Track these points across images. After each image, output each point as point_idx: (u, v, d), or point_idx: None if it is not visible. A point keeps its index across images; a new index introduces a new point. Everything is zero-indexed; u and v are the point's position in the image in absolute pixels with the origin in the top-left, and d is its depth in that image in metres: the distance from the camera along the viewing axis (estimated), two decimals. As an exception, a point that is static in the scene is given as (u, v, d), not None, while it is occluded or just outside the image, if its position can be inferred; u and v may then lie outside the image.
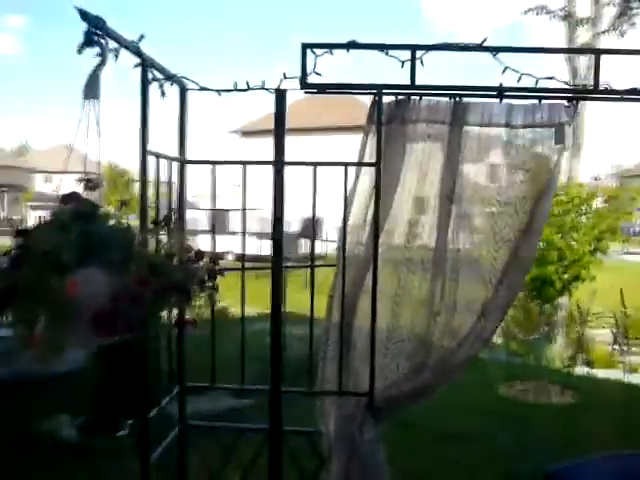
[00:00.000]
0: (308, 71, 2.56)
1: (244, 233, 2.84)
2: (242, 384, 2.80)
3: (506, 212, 2.63)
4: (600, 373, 9.59)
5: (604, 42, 11.07)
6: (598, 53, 2.55)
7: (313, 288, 2.79)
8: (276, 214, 2.66)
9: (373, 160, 2.63)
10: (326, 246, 16.57)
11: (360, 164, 2.67)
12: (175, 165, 2.71)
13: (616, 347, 10.90)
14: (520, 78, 2.55)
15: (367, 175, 2.68)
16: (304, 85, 2.58)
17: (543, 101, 2.57)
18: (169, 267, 1.54)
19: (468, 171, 2.70)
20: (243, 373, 2.82)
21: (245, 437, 2.80)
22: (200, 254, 1.73)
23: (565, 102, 2.58)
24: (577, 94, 2.56)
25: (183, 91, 2.72)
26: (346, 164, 2.68)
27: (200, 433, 2.83)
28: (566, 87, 2.57)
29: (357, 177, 2.70)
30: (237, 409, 5.40)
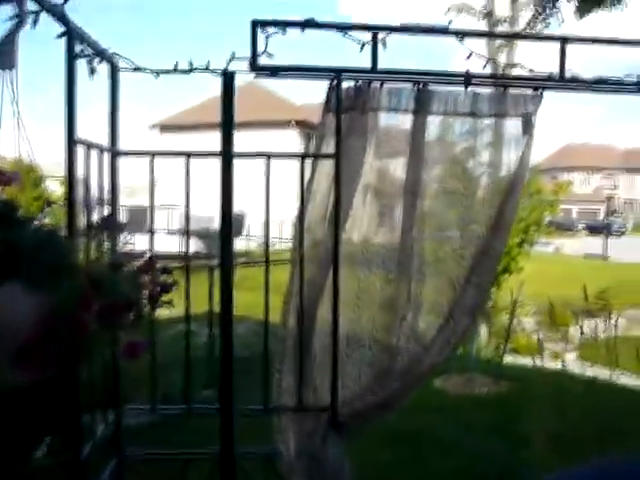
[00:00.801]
0: (259, 52, 2.28)
1: (187, 232, 2.53)
2: (188, 404, 2.48)
3: (474, 207, 2.48)
4: (527, 361, 9.88)
5: (521, 41, 11.36)
6: (564, 41, 2.44)
7: (267, 288, 2.52)
8: (224, 210, 2.38)
9: (332, 150, 2.39)
10: (248, 243, 16.22)
11: (318, 156, 2.43)
12: (105, 157, 2.36)
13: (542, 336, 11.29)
14: (486, 65, 2.41)
15: (325, 168, 2.44)
16: (254, 67, 2.30)
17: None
18: (115, 281, 1.24)
19: (432, 164, 2.53)
20: (187, 393, 2.50)
21: (192, 463, 2.49)
22: (152, 263, 1.43)
23: (529, 91, 2.47)
24: (544, 83, 2.43)
25: (114, 71, 2.36)
26: (303, 155, 2.43)
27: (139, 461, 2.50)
28: (532, 76, 2.44)
29: (314, 170, 2.45)
30: (158, 423, 4.98)
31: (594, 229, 37.61)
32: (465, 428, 5.87)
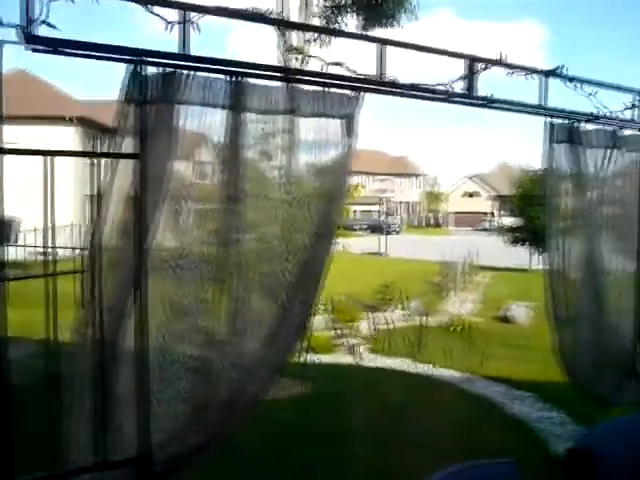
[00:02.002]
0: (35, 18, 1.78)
1: None
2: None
3: (297, 214, 2.27)
4: (325, 358, 10.21)
5: (312, 50, 11.72)
6: (383, 43, 2.37)
7: (55, 306, 2.03)
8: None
9: (133, 149, 1.99)
10: (19, 251, 14.35)
11: (117, 155, 1.99)
12: None
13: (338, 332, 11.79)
14: (308, 61, 2.23)
15: (126, 169, 2.02)
16: (29, 37, 1.80)
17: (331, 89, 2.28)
18: None
19: (252, 164, 2.27)
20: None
21: None
22: None
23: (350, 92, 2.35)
24: (363, 84, 2.33)
25: None
26: (98, 155, 1.98)
27: None
28: (352, 76, 2.32)
29: (112, 172, 2.01)
30: None
31: (374, 229, 41.00)
32: (271, 435, 5.75)
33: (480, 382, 8.22)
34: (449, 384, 8.34)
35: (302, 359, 9.42)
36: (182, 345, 2.18)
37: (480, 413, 7.02)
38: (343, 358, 10.37)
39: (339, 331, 12.43)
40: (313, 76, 2.24)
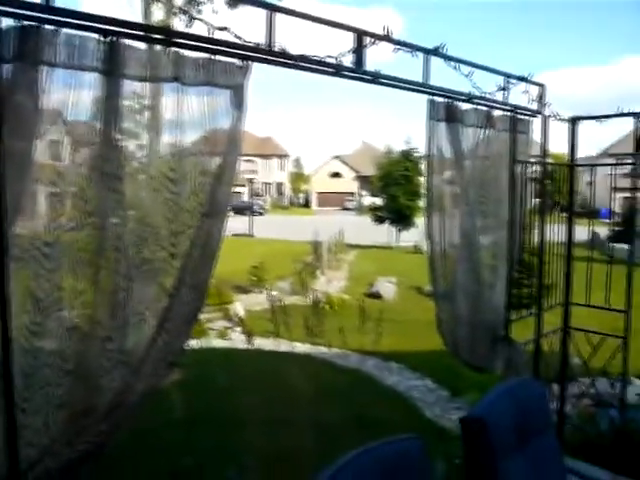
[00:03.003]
0: None
1: None
2: None
3: (182, 194, 2.07)
4: (198, 343, 9.91)
5: (177, 23, 11.14)
6: (271, 9, 2.21)
7: None
8: None
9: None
10: None
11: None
12: None
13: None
14: (191, 23, 2.03)
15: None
16: None
17: (218, 57, 2.10)
18: None
19: (130, 137, 2.02)
20: None
21: None
22: None
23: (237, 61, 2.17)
24: (251, 52, 2.16)
25: None
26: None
27: None
28: (240, 43, 2.14)
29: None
30: None
31: (239, 210, 40.34)
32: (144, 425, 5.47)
33: (354, 357, 8.47)
34: (325, 360, 8.50)
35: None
36: (53, 344, 1.90)
37: (357, 385, 7.24)
38: (216, 342, 10.15)
39: (212, 314, 12.15)
40: (198, 41, 2.04)
